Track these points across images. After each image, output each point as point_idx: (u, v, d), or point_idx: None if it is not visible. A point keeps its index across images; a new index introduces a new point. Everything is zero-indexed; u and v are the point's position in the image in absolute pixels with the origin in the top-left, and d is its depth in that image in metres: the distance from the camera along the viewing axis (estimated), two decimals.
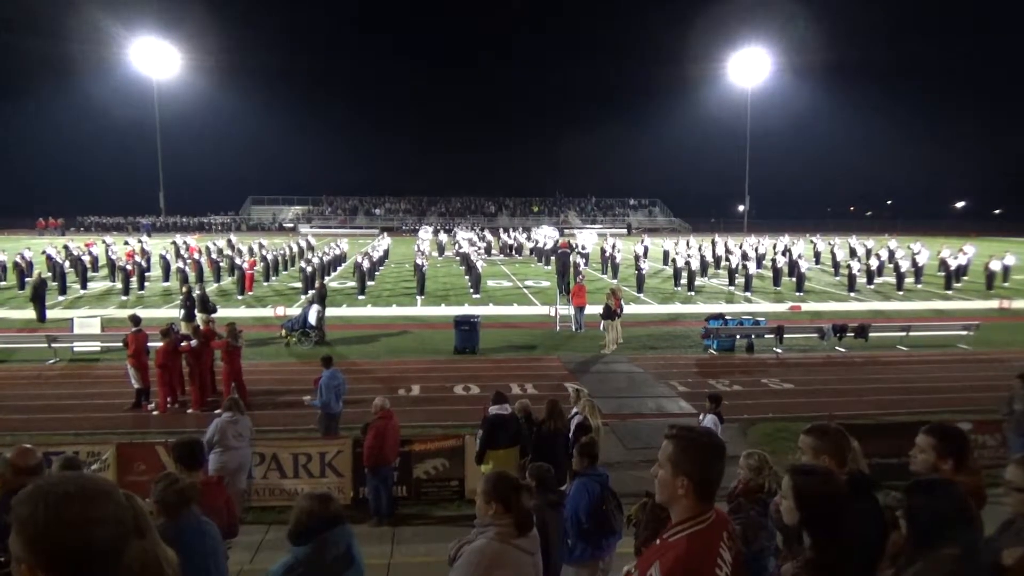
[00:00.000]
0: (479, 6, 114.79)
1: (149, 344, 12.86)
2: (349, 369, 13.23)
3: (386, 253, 38.58)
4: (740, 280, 28.00)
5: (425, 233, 50.49)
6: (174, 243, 36.80)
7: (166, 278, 29.01)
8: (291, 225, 72.14)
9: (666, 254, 36.21)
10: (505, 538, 3.30)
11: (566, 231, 60.22)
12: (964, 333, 18.45)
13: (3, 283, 27.91)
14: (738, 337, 17.61)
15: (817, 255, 38.76)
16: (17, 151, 77.61)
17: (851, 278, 27.47)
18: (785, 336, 17.51)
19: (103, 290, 26.88)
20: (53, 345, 16.06)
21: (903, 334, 18.22)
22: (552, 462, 6.09)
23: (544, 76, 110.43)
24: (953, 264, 28.68)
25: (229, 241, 38.34)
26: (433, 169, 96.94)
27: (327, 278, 27.89)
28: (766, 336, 17.62)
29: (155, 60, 60.40)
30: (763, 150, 71.93)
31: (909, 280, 28.66)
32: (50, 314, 20.67)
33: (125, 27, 62.46)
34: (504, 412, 8.05)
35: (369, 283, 27.75)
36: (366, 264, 27.77)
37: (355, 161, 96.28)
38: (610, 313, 17.39)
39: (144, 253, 31.66)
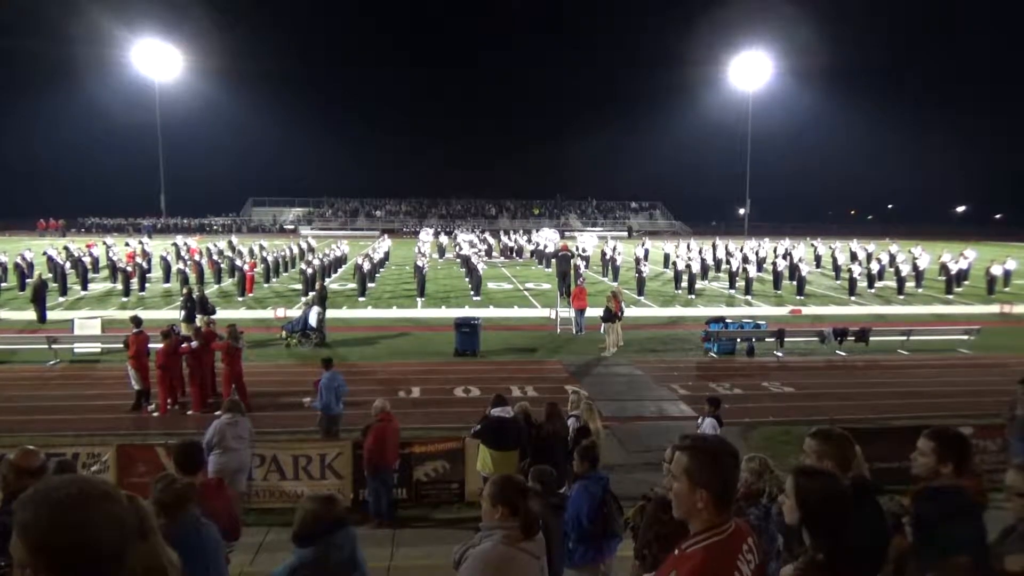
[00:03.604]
0: (480, 8, 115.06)
1: (150, 345, 12.86)
2: (349, 371, 13.22)
3: (387, 255, 38.59)
4: (741, 283, 27.98)
5: (426, 235, 50.46)
6: (175, 244, 36.84)
7: (167, 279, 29.01)
8: (292, 227, 72.18)
9: (667, 257, 36.22)
10: (511, 541, 3.29)
11: (567, 234, 60.24)
12: (965, 337, 18.46)
13: (4, 284, 27.91)
14: (739, 340, 17.61)
15: (818, 259, 38.72)
16: (18, 152, 77.75)
17: (852, 282, 27.46)
18: (786, 340, 17.49)
19: (104, 291, 26.90)
20: (54, 346, 16.06)
21: (904, 338, 18.21)
22: (550, 464, 6.09)
23: (545, 78, 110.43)
24: (954, 268, 28.70)
25: (230, 242, 38.33)
26: (434, 171, 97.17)
27: (327, 280, 27.88)
28: (767, 340, 17.61)
29: (157, 62, 60.49)
30: (764, 153, 72.07)
31: (910, 284, 28.66)
32: (51, 315, 20.67)
33: (127, 29, 62.62)
34: (506, 415, 8.05)
35: (370, 285, 27.76)
36: (367, 266, 27.78)
37: (356, 163, 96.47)
38: (610, 316, 17.40)
39: (145, 254, 31.67)
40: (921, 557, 2.71)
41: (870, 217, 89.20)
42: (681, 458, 2.35)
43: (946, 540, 2.67)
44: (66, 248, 32.15)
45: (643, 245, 36.96)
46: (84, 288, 26.47)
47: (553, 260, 27.99)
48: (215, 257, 32.23)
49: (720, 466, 2.32)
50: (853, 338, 17.52)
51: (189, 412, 12.44)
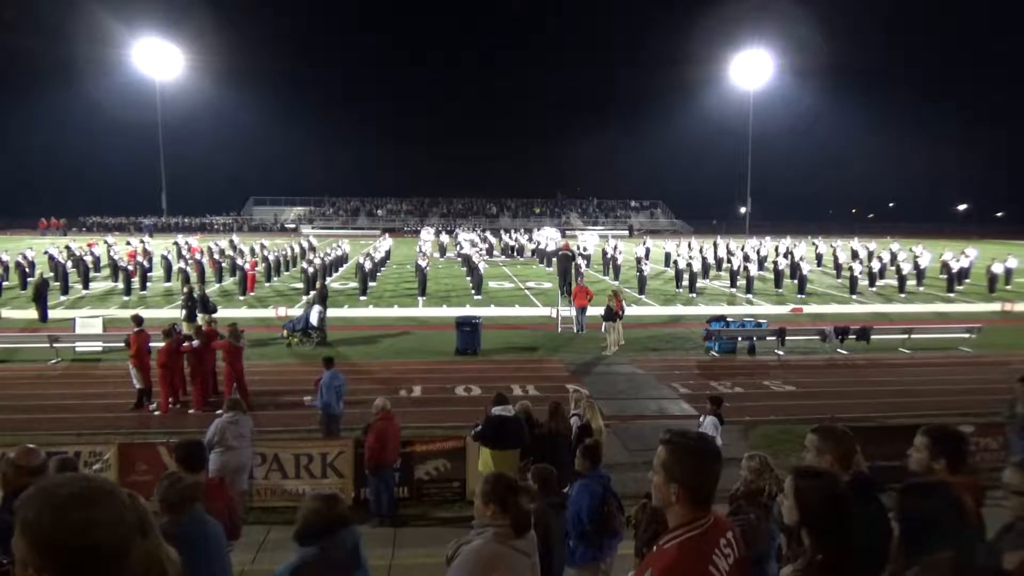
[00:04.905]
0: (481, 8, 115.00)
1: (151, 344, 12.88)
2: (350, 370, 13.23)
3: (388, 254, 38.61)
4: (742, 282, 27.97)
5: (427, 234, 50.49)
6: (176, 243, 36.87)
7: (168, 278, 29.04)
8: (293, 226, 72.21)
9: (668, 256, 36.20)
10: (502, 539, 3.30)
11: (567, 233, 60.22)
12: (966, 336, 18.44)
13: (5, 283, 27.87)
14: (740, 339, 17.61)
15: (819, 257, 38.72)
16: (19, 151, 77.82)
17: (853, 280, 27.47)
18: (787, 338, 17.50)
19: (105, 290, 26.92)
20: (55, 345, 16.08)
21: (905, 337, 18.21)
22: (552, 464, 6.09)
23: (546, 77, 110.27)
24: (955, 267, 28.66)
25: (231, 241, 38.40)
26: (435, 170, 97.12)
27: (328, 279, 27.91)
28: (768, 338, 17.61)
29: (158, 61, 60.49)
30: (765, 152, 71.97)
31: (911, 283, 28.64)
32: (52, 314, 20.70)
33: (128, 28, 62.59)
34: (506, 414, 8.05)
35: (371, 284, 27.77)
36: (368, 265, 27.79)
37: (357, 162, 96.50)
38: (611, 315, 17.40)
39: (146, 253, 31.68)
40: (906, 552, 2.71)
41: (871, 215, 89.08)
42: (661, 452, 2.40)
43: (931, 535, 2.67)
44: (67, 247, 32.18)
45: (644, 244, 36.95)
46: (85, 287, 26.49)
47: (554, 259, 28.02)
48: (216, 256, 32.25)
49: (696, 461, 2.35)
50: (854, 337, 17.52)
51: (190, 411, 12.45)
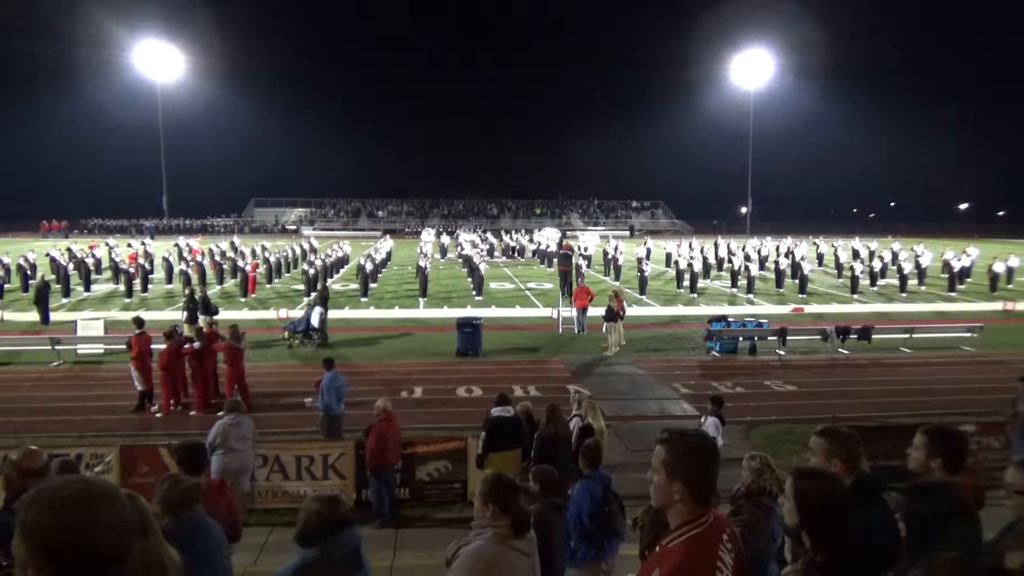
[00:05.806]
0: (482, 9, 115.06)
1: (152, 346, 12.89)
2: (351, 371, 13.23)
3: (388, 255, 38.62)
4: (743, 282, 27.97)
5: (428, 235, 50.50)
6: (177, 245, 36.93)
7: (169, 280, 29.09)
8: (294, 227, 72.25)
9: (668, 256, 36.19)
10: (502, 540, 3.30)
11: (568, 233, 60.24)
12: (968, 335, 18.41)
13: (7, 285, 27.89)
14: (741, 339, 17.60)
15: (820, 257, 38.68)
16: (21, 153, 77.86)
17: (854, 280, 27.45)
18: (788, 338, 17.48)
19: (106, 292, 26.96)
20: (57, 347, 16.10)
21: (907, 336, 18.19)
22: (552, 465, 6.09)
23: (547, 78, 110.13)
24: (957, 266, 28.63)
25: (232, 243, 38.42)
26: (436, 171, 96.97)
27: (329, 280, 27.92)
28: (769, 338, 17.60)
29: (159, 63, 60.56)
30: (766, 152, 71.88)
31: (912, 282, 28.60)
32: (54, 316, 20.73)
33: (129, 30, 62.67)
34: (506, 414, 8.05)
35: (372, 285, 27.78)
36: (369, 266, 27.80)
37: (357, 163, 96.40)
38: (613, 315, 17.40)
39: (147, 255, 31.74)
40: (910, 551, 2.71)
41: (872, 215, 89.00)
42: (660, 451, 2.39)
43: (934, 536, 2.66)
44: (69, 249, 32.20)
45: (645, 244, 36.94)
46: (87, 289, 26.53)
47: (555, 259, 28.00)
48: (217, 258, 32.29)
49: (697, 460, 2.35)
50: (855, 336, 17.50)
51: (192, 413, 12.46)
